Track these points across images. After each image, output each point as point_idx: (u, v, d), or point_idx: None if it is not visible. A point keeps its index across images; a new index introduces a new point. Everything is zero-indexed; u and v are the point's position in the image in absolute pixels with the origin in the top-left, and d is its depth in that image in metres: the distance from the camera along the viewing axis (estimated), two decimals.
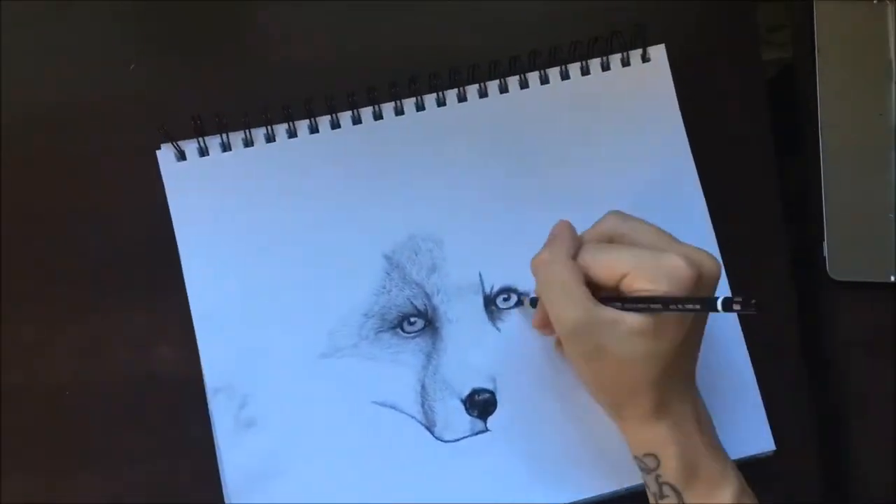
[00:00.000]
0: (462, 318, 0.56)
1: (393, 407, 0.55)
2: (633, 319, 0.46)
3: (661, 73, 0.59)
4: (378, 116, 0.58)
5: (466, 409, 0.55)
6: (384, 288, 0.56)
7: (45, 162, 0.58)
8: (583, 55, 0.59)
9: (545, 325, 0.51)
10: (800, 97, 0.63)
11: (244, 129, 0.56)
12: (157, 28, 0.61)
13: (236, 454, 0.54)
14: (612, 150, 0.58)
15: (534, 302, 0.55)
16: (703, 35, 0.62)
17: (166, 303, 0.55)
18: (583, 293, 0.47)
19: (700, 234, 0.57)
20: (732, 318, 0.56)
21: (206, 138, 0.56)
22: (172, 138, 0.55)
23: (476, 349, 0.56)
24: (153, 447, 0.55)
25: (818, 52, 0.62)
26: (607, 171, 0.58)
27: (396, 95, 0.57)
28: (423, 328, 0.56)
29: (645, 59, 0.60)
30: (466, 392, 0.55)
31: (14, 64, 0.59)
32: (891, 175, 0.60)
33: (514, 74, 0.58)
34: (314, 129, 0.57)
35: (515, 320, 0.56)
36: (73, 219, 0.58)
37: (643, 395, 0.47)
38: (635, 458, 0.49)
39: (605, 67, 0.59)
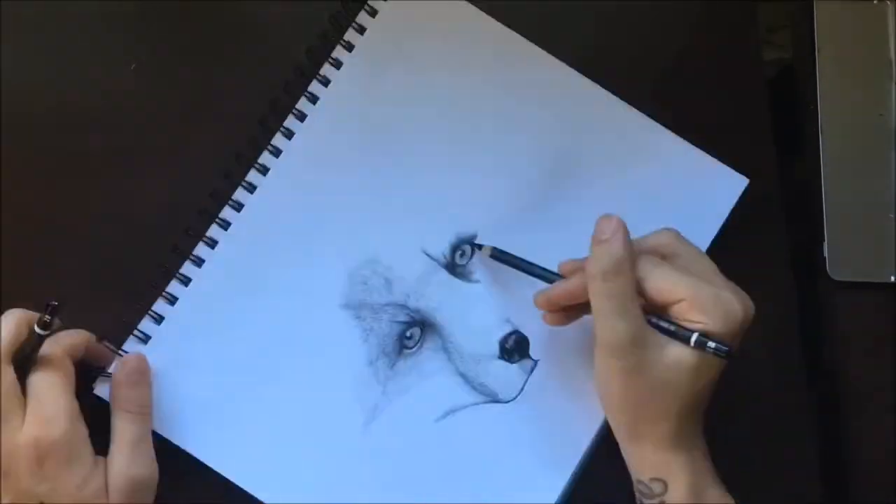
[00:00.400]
0: (443, 298, 0.56)
1: (455, 410, 0.55)
2: (681, 351, 0.47)
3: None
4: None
5: (508, 360, 0.56)
6: (366, 330, 0.56)
7: (45, 162, 0.58)
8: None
9: (561, 300, 0.51)
10: (800, 97, 0.63)
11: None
12: (158, 28, 0.60)
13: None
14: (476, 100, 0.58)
15: (495, 255, 0.55)
16: (704, 35, 0.62)
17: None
18: (639, 310, 0.47)
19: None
20: None
21: None
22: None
23: (475, 311, 0.56)
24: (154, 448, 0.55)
25: (818, 52, 0.62)
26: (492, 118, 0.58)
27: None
28: (421, 333, 0.56)
29: (372, 13, 0.58)
30: (497, 348, 0.56)
31: (14, 64, 0.58)
32: (891, 175, 0.61)
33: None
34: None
35: (479, 265, 0.56)
36: (73, 219, 0.57)
37: (665, 422, 0.48)
38: (638, 482, 0.49)
39: (350, 47, 0.58)
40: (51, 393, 0.48)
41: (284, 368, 0.55)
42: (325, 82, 0.57)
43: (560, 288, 0.51)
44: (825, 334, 0.60)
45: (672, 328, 0.47)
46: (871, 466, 0.58)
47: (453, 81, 0.58)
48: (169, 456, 0.53)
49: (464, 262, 0.57)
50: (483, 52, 0.58)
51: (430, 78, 0.58)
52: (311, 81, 0.57)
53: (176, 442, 0.53)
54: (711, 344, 0.46)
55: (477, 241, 0.56)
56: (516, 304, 0.56)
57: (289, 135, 0.56)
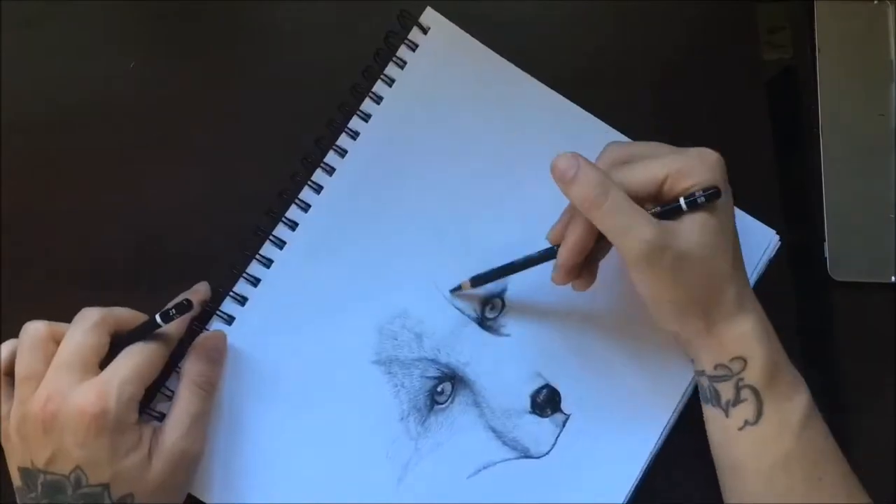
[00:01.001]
0: (474, 352, 0.56)
1: (487, 466, 0.55)
2: (696, 218, 0.48)
3: (450, 31, 0.58)
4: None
5: (539, 415, 0.56)
6: (396, 386, 0.56)
7: (45, 161, 0.58)
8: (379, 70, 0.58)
9: (571, 272, 0.51)
10: (800, 98, 0.63)
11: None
12: (158, 27, 0.60)
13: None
14: (492, 123, 0.58)
15: (476, 281, 0.55)
16: (704, 35, 0.62)
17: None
18: (645, 212, 0.48)
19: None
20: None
21: None
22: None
23: (505, 365, 0.56)
24: None
25: (818, 52, 0.62)
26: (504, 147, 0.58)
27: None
28: (453, 388, 0.56)
29: (425, 30, 0.58)
30: (528, 403, 0.56)
31: (14, 63, 0.58)
32: (891, 175, 0.61)
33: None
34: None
35: (510, 318, 0.56)
36: (74, 218, 0.57)
37: (726, 289, 0.49)
38: (716, 367, 0.50)
39: (402, 64, 0.58)
40: (121, 370, 0.49)
41: (316, 426, 0.55)
42: (366, 117, 0.57)
43: (566, 247, 0.50)
44: (826, 334, 0.61)
45: (675, 205, 0.48)
46: (870, 466, 0.58)
47: (476, 127, 0.58)
48: None
49: (493, 315, 0.56)
50: (513, 102, 0.58)
51: (454, 125, 0.58)
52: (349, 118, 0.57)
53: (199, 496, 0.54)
54: (701, 194, 0.47)
55: (506, 296, 0.56)
56: (547, 358, 0.56)
57: (330, 171, 0.57)
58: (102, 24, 0.60)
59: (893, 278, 0.60)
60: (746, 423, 0.49)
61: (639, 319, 0.55)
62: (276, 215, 0.56)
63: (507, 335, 0.56)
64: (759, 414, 0.49)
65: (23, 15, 0.59)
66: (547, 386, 0.56)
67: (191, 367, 0.52)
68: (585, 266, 0.52)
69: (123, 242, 0.57)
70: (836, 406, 0.59)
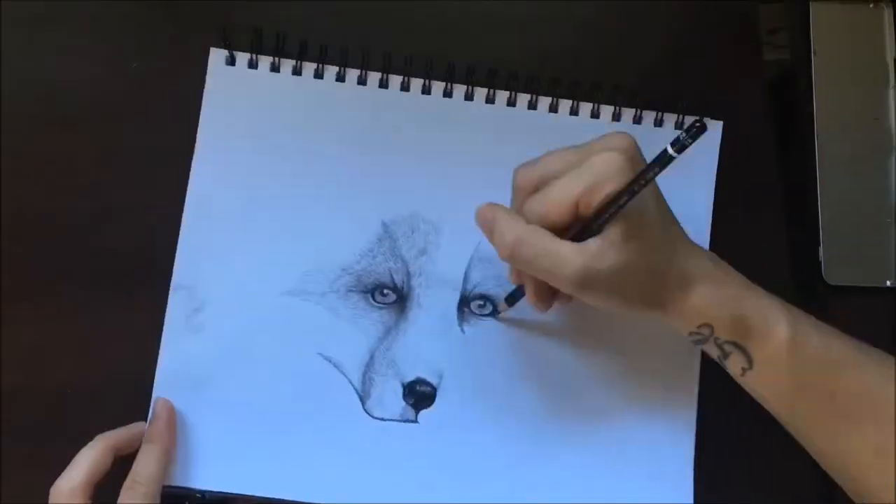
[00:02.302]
0: (432, 308, 0.56)
1: (336, 365, 0.56)
2: (616, 230, 0.47)
3: (709, 149, 0.59)
4: (426, 90, 0.58)
5: (403, 395, 0.55)
6: (371, 252, 0.56)
7: (45, 161, 0.58)
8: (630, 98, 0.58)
9: (542, 300, 0.52)
10: (796, 100, 0.62)
11: (298, 59, 0.57)
12: (160, 27, 0.60)
13: (176, 353, 0.55)
14: None
15: (510, 300, 0.55)
16: (704, 36, 0.62)
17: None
18: (565, 244, 0.47)
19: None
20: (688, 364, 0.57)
21: (259, 56, 0.57)
22: (230, 45, 0.57)
23: (434, 342, 0.56)
24: None
25: (815, 55, 0.62)
26: None
27: (452, 77, 0.58)
28: (392, 303, 0.56)
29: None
30: (409, 378, 0.56)
31: (14, 63, 0.58)
32: (888, 179, 0.61)
33: (550, 95, 0.58)
34: (362, 82, 0.58)
35: (483, 328, 0.56)
36: (73, 218, 0.57)
37: (668, 277, 0.49)
38: (690, 334, 0.50)
39: (658, 123, 0.59)
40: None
41: (299, 203, 0.56)
42: None
43: (529, 290, 0.52)
44: None
45: (595, 225, 0.47)
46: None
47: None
48: None
49: (476, 310, 0.57)
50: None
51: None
52: None
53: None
54: (686, 136, 0.44)
55: (507, 294, 0.56)
56: (460, 375, 0.56)
57: None
58: (104, 22, 0.60)
59: (889, 282, 0.60)
60: (744, 370, 0.50)
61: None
62: None
63: (462, 331, 0.56)
64: (749, 361, 0.50)
65: (23, 14, 0.59)
66: (432, 387, 0.55)
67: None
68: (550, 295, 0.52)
69: (124, 242, 0.57)
70: None
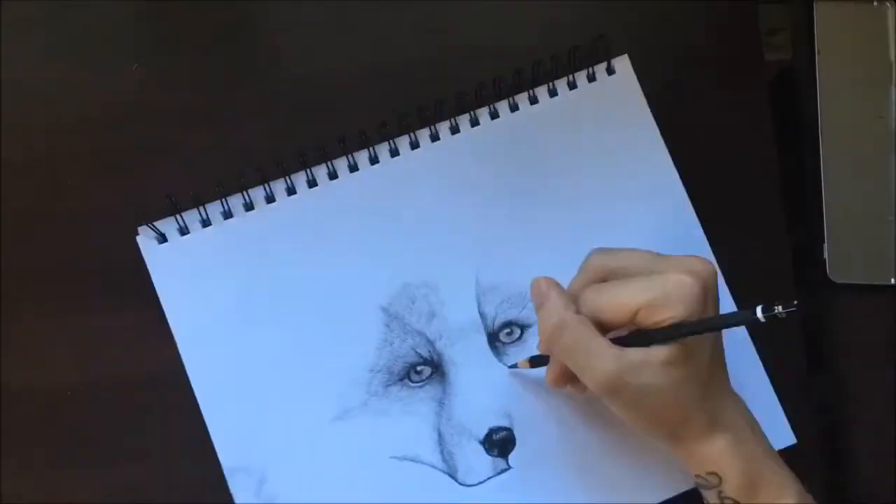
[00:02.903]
0: (468, 359, 0.56)
1: (413, 459, 0.55)
2: (662, 353, 0.46)
3: (629, 85, 0.59)
4: (353, 168, 0.57)
5: (486, 450, 0.55)
6: (386, 341, 0.56)
7: (46, 163, 0.58)
8: (547, 74, 0.58)
9: (559, 380, 0.51)
10: (800, 99, 0.62)
11: (220, 198, 0.56)
12: (161, 30, 0.60)
13: None
14: (593, 169, 0.58)
15: (534, 361, 0.54)
16: (705, 37, 0.62)
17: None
18: (606, 345, 0.47)
19: (690, 234, 0.58)
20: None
21: (184, 215, 0.55)
22: (150, 220, 0.55)
23: (487, 388, 0.56)
24: (153, 447, 0.55)
25: (818, 54, 0.62)
26: (592, 191, 0.58)
27: (366, 143, 0.57)
28: (430, 375, 0.56)
29: (610, 71, 0.59)
30: (484, 433, 0.55)
31: (16, 65, 0.58)
32: (891, 177, 0.61)
33: (484, 104, 0.58)
34: (291, 191, 0.57)
35: (522, 353, 0.56)
36: (74, 219, 0.57)
37: (695, 416, 0.48)
38: (697, 476, 0.49)
39: (573, 86, 0.59)
40: None
41: (295, 335, 0.55)
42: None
43: (551, 370, 0.51)
44: (826, 337, 0.60)
45: (647, 339, 0.47)
46: (870, 469, 0.58)
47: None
48: None
49: (507, 340, 0.56)
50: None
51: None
52: None
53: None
54: (782, 311, 0.42)
55: (533, 355, 0.55)
56: (526, 406, 0.55)
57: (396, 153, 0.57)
58: (105, 25, 0.60)
59: (893, 280, 0.60)
60: None
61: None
62: (326, 154, 0.56)
63: (505, 364, 0.56)
64: None
65: (26, 16, 0.59)
66: (509, 430, 0.55)
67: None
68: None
69: (124, 243, 0.56)
70: (836, 408, 0.59)
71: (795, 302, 0.41)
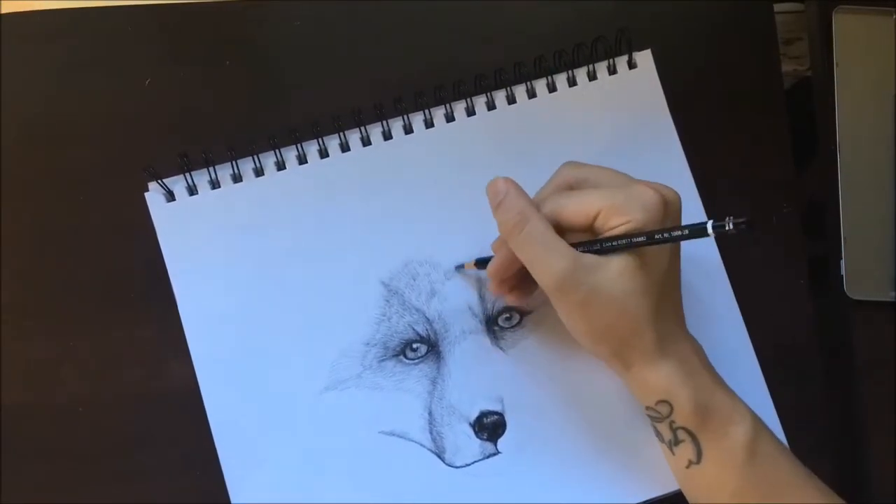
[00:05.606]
0: (465, 341, 0.56)
1: (401, 436, 0.55)
2: (616, 260, 0.47)
3: (650, 80, 0.59)
4: (366, 142, 0.57)
5: (476, 433, 0.55)
6: (384, 315, 0.56)
7: (54, 177, 0.58)
8: (569, 63, 0.58)
9: (501, 283, 0.52)
10: (818, 111, 0.62)
11: (231, 161, 0.56)
12: (175, 44, 0.60)
13: (246, 495, 0.54)
14: (605, 160, 0.56)
15: (480, 263, 0.55)
16: (722, 49, 0.62)
17: (175, 318, 0.55)
18: (564, 243, 0.47)
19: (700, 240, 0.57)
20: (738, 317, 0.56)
21: (194, 175, 0.55)
22: (159, 177, 0.55)
23: (481, 371, 0.55)
24: (163, 464, 0.55)
25: (837, 66, 0.61)
26: None
27: (382, 116, 0.57)
28: (426, 354, 0.55)
29: (631, 65, 0.58)
30: (474, 415, 0.55)
31: (28, 78, 0.59)
32: None
33: (502, 88, 0.58)
34: (303, 160, 0.57)
35: (520, 342, 0.56)
36: (83, 234, 0.57)
37: (643, 333, 0.48)
38: (647, 408, 0.49)
39: (592, 77, 0.59)
40: None
41: (297, 299, 0.55)
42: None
43: (492, 263, 0.52)
44: (843, 353, 0.60)
45: (603, 245, 0.47)
46: (885, 485, 0.57)
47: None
48: None
49: (505, 325, 0.56)
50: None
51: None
52: None
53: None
54: (733, 222, 0.42)
55: (528, 317, 0.55)
56: (519, 392, 0.55)
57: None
58: (119, 39, 0.60)
59: None
60: (690, 462, 0.49)
61: (631, 423, 0.54)
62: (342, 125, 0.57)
63: (502, 350, 0.56)
64: (699, 454, 0.48)
65: (37, 29, 0.59)
66: (499, 415, 0.55)
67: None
68: (520, 282, 0.52)
69: (133, 258, 0.56)
70: (853, 424, 0.59)
71: (744, 219, 0.42)
